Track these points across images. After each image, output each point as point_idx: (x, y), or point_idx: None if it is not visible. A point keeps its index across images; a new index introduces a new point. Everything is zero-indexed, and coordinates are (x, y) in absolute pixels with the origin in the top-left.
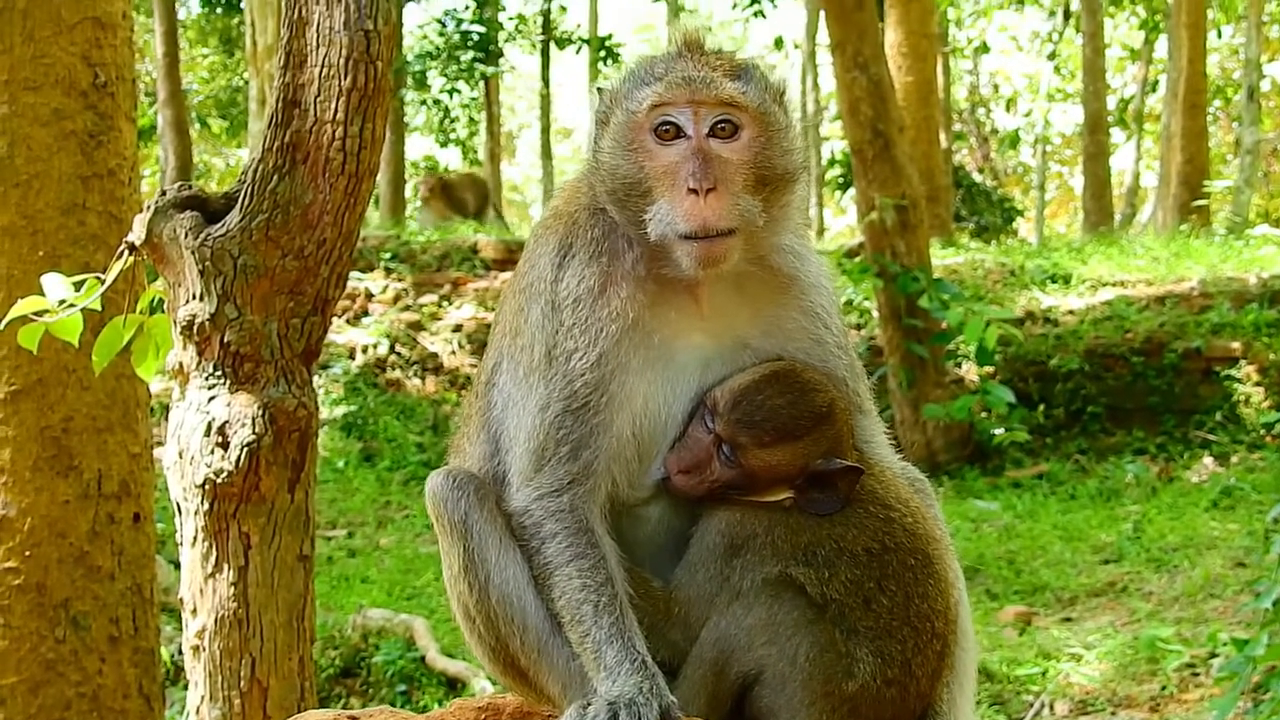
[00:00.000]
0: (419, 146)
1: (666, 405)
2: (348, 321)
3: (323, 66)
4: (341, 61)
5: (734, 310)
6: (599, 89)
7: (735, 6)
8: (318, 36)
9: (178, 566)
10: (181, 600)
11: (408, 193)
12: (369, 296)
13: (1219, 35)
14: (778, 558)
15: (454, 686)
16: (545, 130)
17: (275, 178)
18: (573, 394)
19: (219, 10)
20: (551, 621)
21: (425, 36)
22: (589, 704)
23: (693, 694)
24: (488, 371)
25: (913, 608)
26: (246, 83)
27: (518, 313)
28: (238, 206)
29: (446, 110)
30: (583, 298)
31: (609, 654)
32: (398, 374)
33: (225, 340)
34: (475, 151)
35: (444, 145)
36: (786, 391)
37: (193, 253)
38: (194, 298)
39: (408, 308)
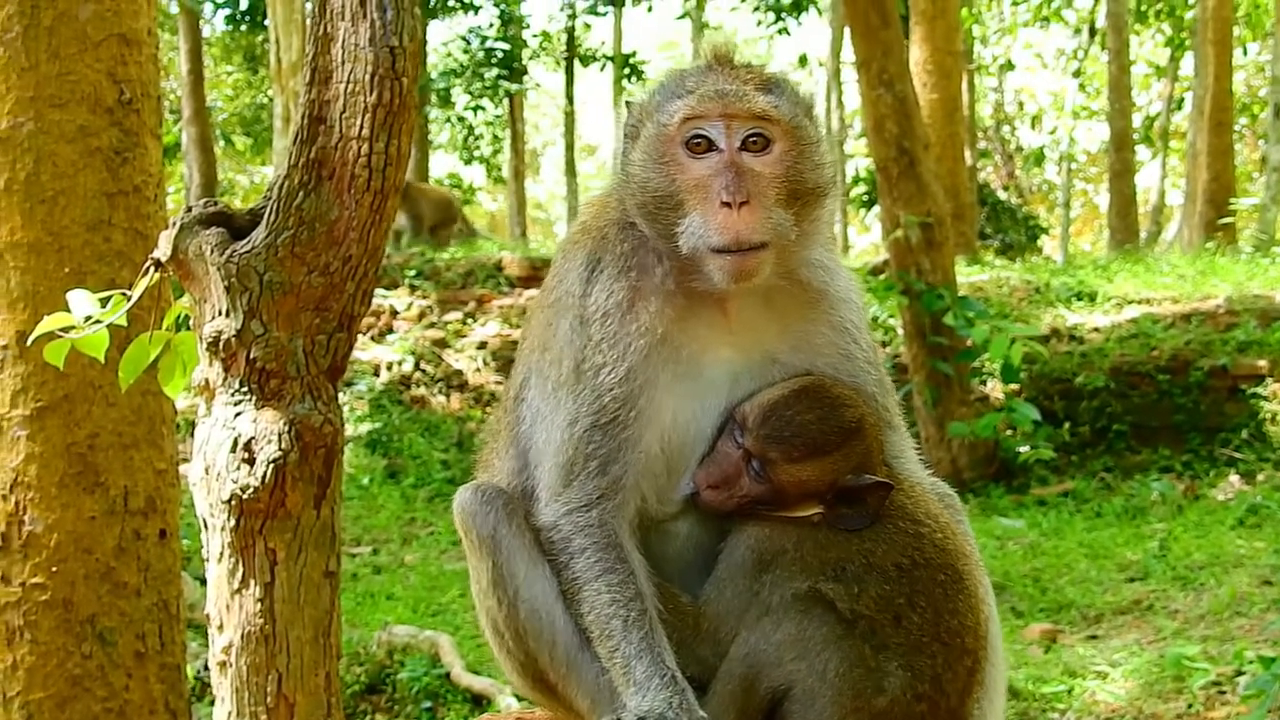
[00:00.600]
0: (443, 164)
1: (695, 420)
2: (372, 339)
3: (348, 83)
4: (367, 78)
5: (763, 325)
6: (627, 103)
7: (760, 24)
8: (343, 52)
9: (203, 583)
10: (208, 616)
11: None
12: (394, 314)
13: (1244, 52)
14: (807, 573)
15: (479, 703)
16: (570, 147)
17: (301, 194)
18: (601, 409)
19: (243, 28)
20: (580, 636)
21: (449, 54)
22: (619, 719)
23: (722, 710)
24: (516, 386)
25: (943, 623)
26: (271, 100)
27: (546, 327)
28: (263, 223)
29: (470, 127)
30: (611, 312)
31: (638, 669)
32: (422, 391)
33: (251, 356)
34: (499, 169)
35: (468, 163)
36: (816, 407)
37: (218, 269)
38: (220, 314)
39: (432, 325)
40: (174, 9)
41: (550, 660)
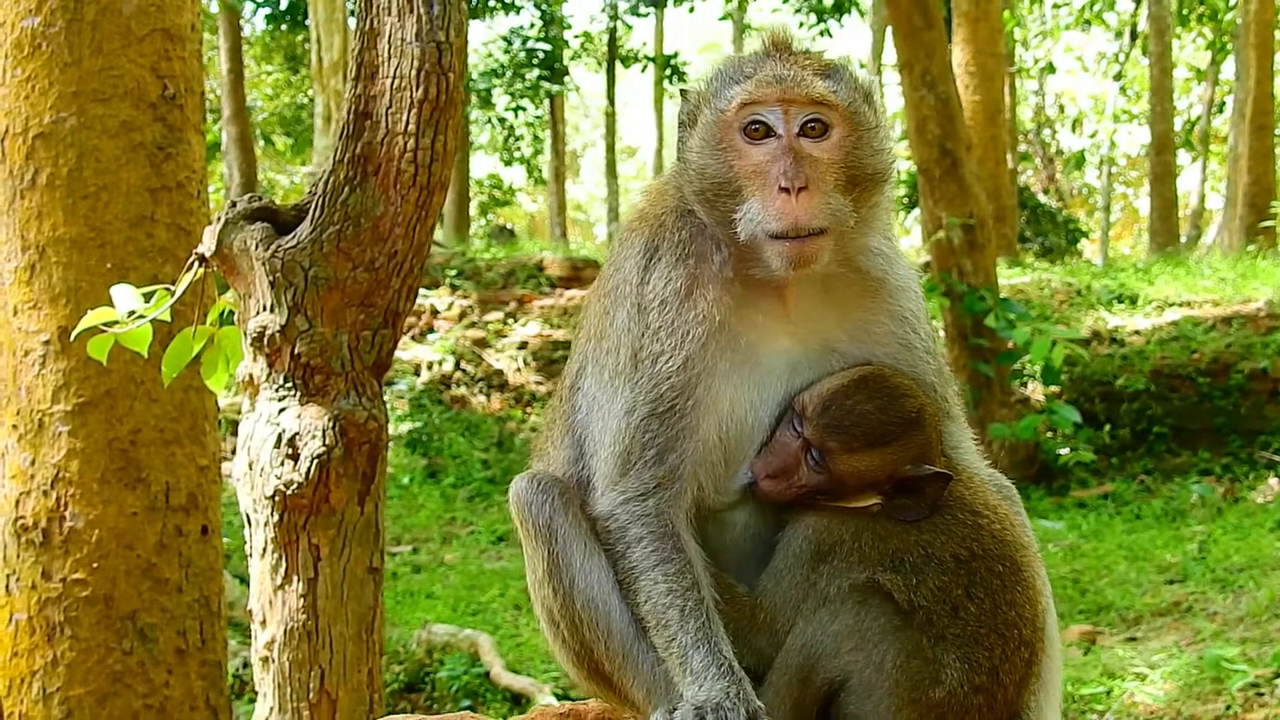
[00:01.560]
0: (483, 165)
1: (753, 409)
2: (413, 338)
3: (394, 78)
4: (413, 73)
5: (822, 314)
6: (683, 91)
7: (801, 25)
8: (389, 48)
9: (241, 580)
10: (251, 612)
11: (472, 211)
12: (434, 313)
13: None
14: (865, 564)
15: (518, 702)
16: (610, 148)
17: (346, 189)
18: (659, 397)
19: (284, 27)
20: (636, 626)
21: (490, 54)
22: (675, 709)
23: (778, 700)
24: (572, 375)
25: (1000, 615)
26: (311, 99)
27: (602, 316)
28: (308, 218)
29: (511, 128)
30: (669, 300)
31: (695, 659)
32: (463, 391)
33: (296, 352)
34: (539, 170)
35: (508, 164)
36: (876, 397)
37: (263, 264)
38: (265, 309)
39: (473, 325)
40: (214, 8)
41: (606, 650)
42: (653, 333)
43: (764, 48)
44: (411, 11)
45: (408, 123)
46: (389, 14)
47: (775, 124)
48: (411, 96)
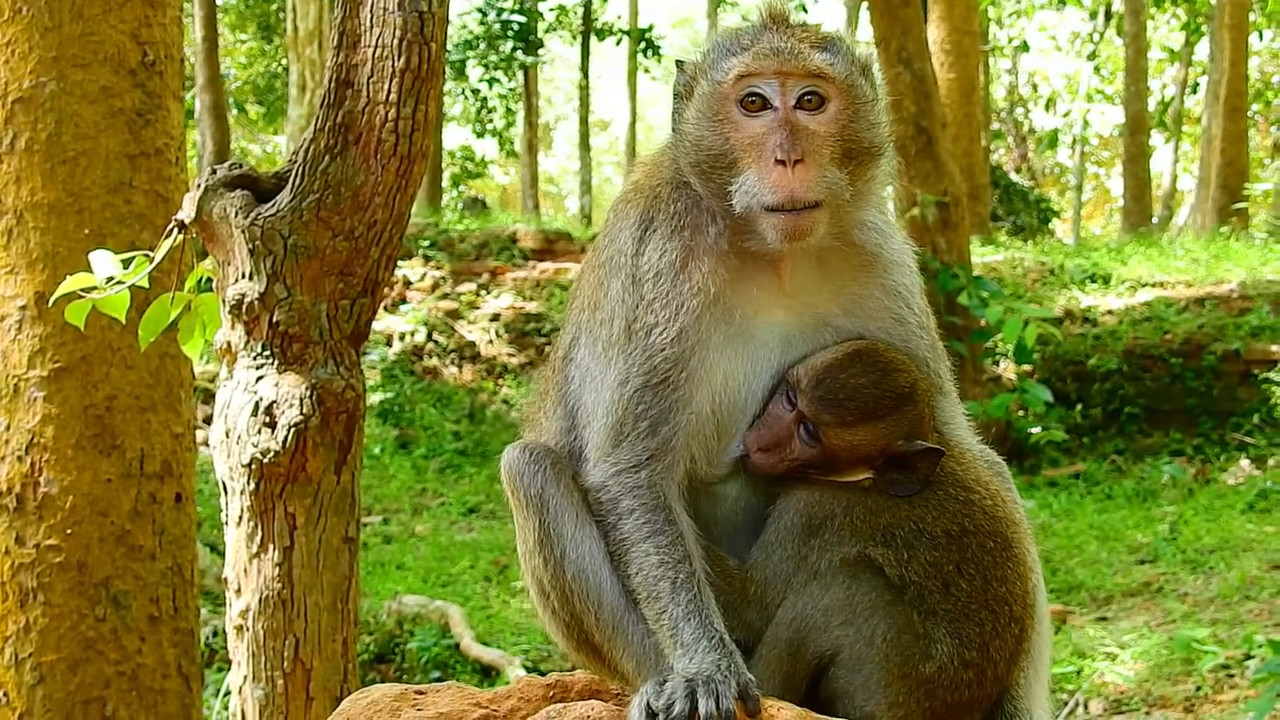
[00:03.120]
0: (456, 136)
1: (747, 382)
2: (385, 309)
3: (376, 47)
4: (395, 42)
5: (816, 287)
6: (679, 62)
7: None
8: (371, 17)
9: (212, 549)
10: (225, 580)
11: (444, 182)
12: (407, 284)
13: (1260, 38)
14: (856, 538)
15: (488, 674)
16: (584, 121)
17: (327, 158)
18: (653, 369)
19: None
20: (627, 598)
21: (465, 26)
22: (665, 681)
23: (768, 674)
24: (565, 346)
25: (991, 591)
26: (285, 68)
27: (596, 287)
28: (288, 186)
29: (484, 100)
30: (664, 271)
31: (686, 631)
32: (435, 362)
33: (274, 320)
34: (512, 142)
35: (480, 136)
36: (869, 371)
37: (243, 232)
38: (243, 277)
39: (445, 296)
40: None
41: (596, 621)
42: (647, 304)
43: (761, 20)
44: None
45: (389, 92)
46: None
47: (772, 96)
48: (393, 66)
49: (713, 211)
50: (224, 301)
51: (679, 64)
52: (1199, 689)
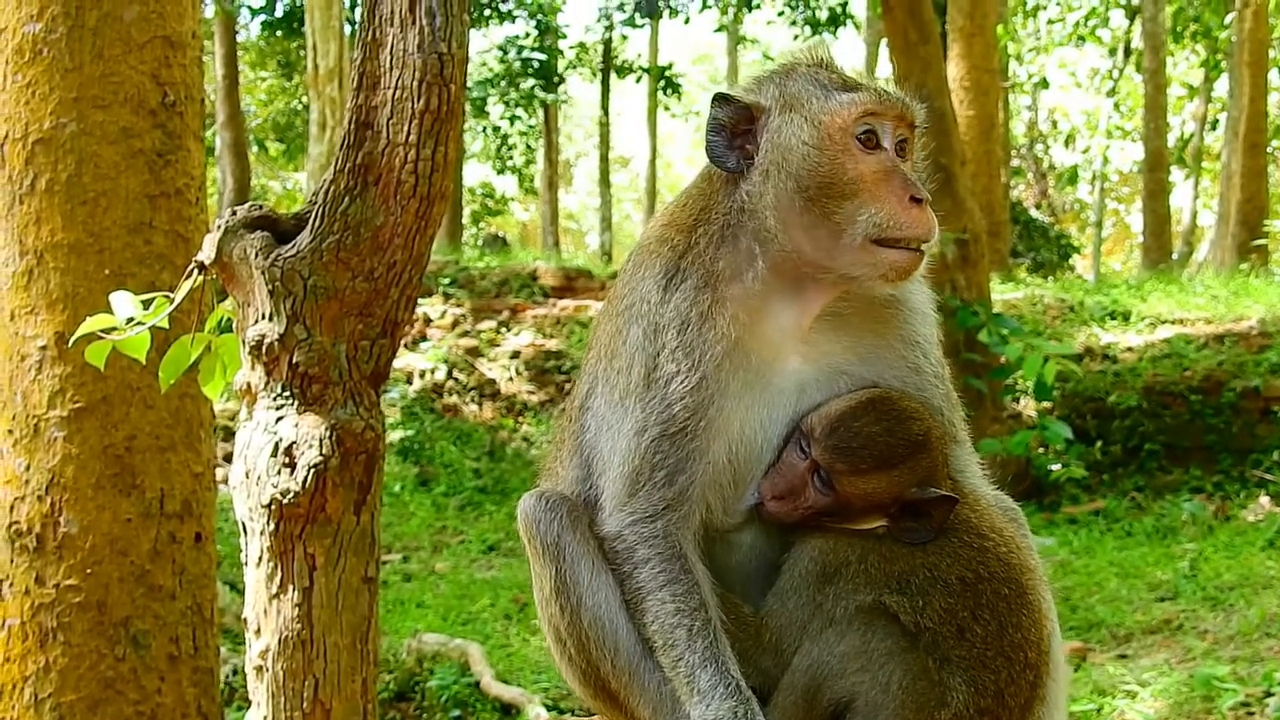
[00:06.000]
0: (476, 173)
1: (763, 430)
2: (405, 346)
3: (396, 89)
4: (415, 84)
5: (834, 334)
6: (722, 95)
7: (797, 38)
8: (391, 59)
9: (233, 588)
10: (244, 620)
11: (464, 219)
12: (427, 322)
13: None
14: (871, 585)
15: (509, 713)
16: (604, 158)
17: (346, 199)
18: (671, 418)
19: (279, 33)
20: (643, 645)
21: (485, 63)
22: None
23: None
24: (581, 395)
25: (1006, 638)
26: (306, 106)
27: (615, 335)
28: (308, 227)
29: (504, 137)
30: (691, 320)
31: (703, 678)
32: (455, 399)
33: (294, 361)
34: (532, 179)
35: (500, 172)
36: (883, 419)
37: (263, 273)
38: (263, 318)
39: (466, 333)
40: (210, 13)
41: (612, 668)
42: (669, 353)
43: (845, 69)
44: (414, 23)
45: (409, 133)
46: (391, 25)
47: (883, 137)
48: (413, 107)
49: (754, 251)
50: (244, 342)
51: (723, 97)
52: None
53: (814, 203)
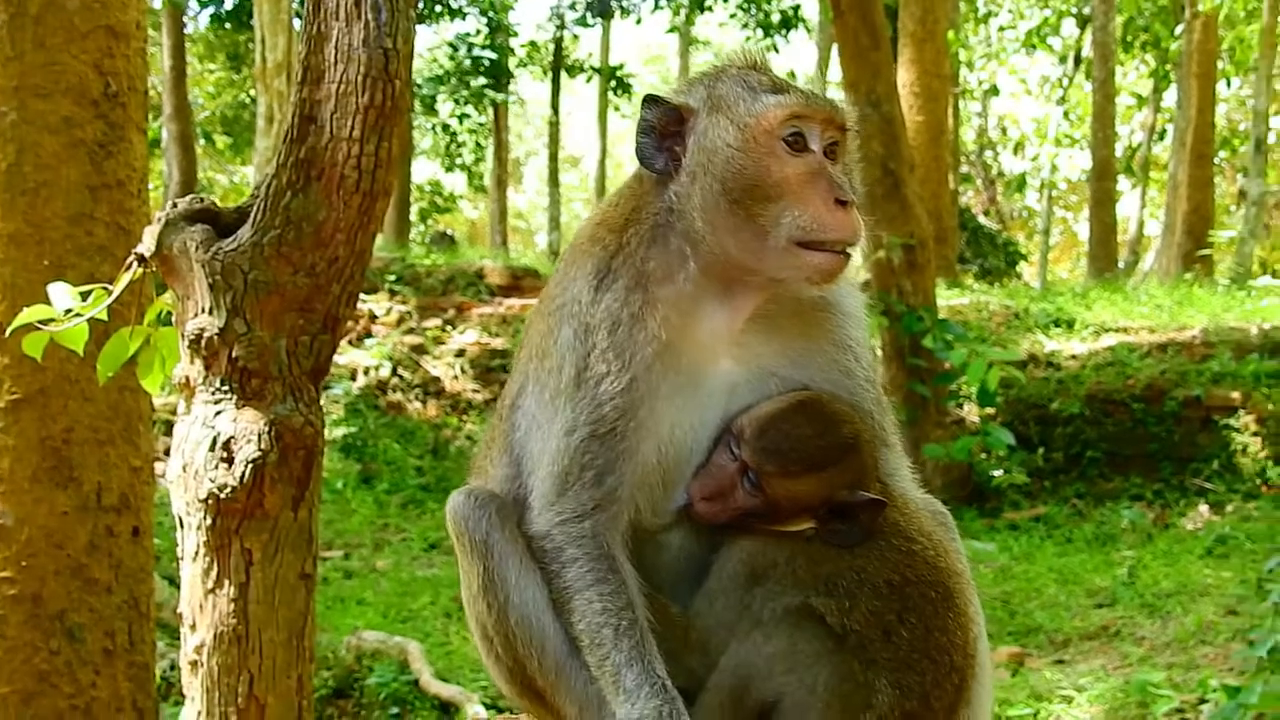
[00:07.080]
0: (425, 170)
1: (693, 432)
2: (350, 343)
3: (340, 83)
4: (359, 79)
5: (765, 336)
6: (652, 97)
7: (749, 40)
8: (336, 53)
9: (170, 582)
10: (180, 615)
11: (412, 216)
12: (372, 318)
13: (1228, 85)
14: (799, 587)
15: (447, 711)
16: (553, 157)
17: (289, 193)
18: (600, 419)
19: (228, 26)
20: (570, 644)
21: (435, 60)
22: None
23: None
24: (512, 394)
25: (932, 640)
26: (253, 99)
27: (546, 335)
28: (250, 221)
29: (454, 135)
30: (622, 321)
31: (628, 677)
32: (399, 397)
33: (233, 355)
34: (481, 177)
35: (449, 170)
36: (813, 422)
37: (203, 266)
38: (203, 311)
39: (411, 331)
40: (157, 4)
41: (539, 666)
42: (600, 353)
43: (776, 72)
44: (359, 18)
45: (352, 128)
46: (337, 19)
47: (811, 140)
48: (357, 102)
49: (684, 252)
50: (183, 336)
51: (652, 99)
52: None
53: (739, 205)
